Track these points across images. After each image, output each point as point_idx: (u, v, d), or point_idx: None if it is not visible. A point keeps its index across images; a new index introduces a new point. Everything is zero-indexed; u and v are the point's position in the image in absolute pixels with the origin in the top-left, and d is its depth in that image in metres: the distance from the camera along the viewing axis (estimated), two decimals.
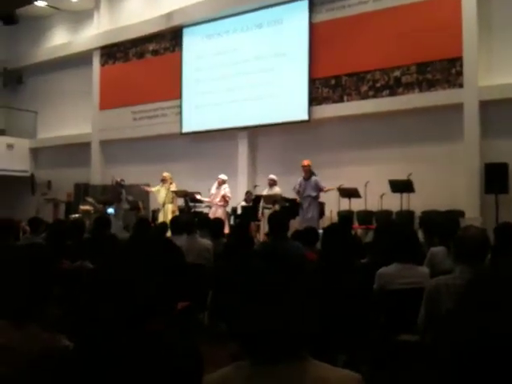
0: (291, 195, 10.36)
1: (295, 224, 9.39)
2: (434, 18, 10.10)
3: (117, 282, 1.62)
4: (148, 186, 12.26)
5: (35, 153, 17.26)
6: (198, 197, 11.33)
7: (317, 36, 11.56)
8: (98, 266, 3.87)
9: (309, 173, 10.00)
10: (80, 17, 16.18)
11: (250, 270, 1.52)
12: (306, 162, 10.06)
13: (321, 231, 6.18)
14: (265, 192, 10.82)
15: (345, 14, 11.24)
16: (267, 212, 10.27)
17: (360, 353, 3.20)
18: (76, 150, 15.73)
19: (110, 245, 4.20)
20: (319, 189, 9.90)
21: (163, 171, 11.78)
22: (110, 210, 11.69)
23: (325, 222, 10.22)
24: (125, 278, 1.62)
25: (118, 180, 12.40)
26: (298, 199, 10.12)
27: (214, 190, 11.29)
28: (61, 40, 16.59)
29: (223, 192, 11.14)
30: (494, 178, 9.10)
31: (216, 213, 10.87)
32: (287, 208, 10.09)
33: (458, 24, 9.83)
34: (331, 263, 3.59)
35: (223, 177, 11.29)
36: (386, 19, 10.68)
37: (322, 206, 10.39)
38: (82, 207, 12.10)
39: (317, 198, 10.03)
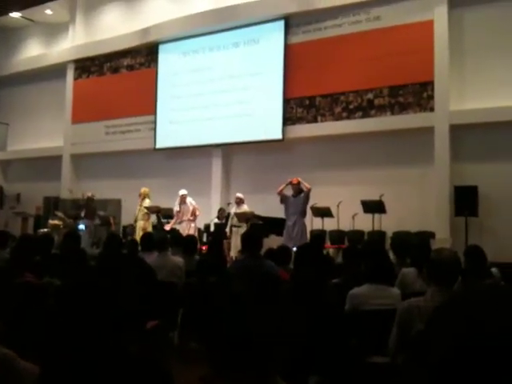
0: (265, 213, 10.34)
1: (271, 242, 9.31)
2: (406, 43, 10.33)
3: (84, 298, 1.59)
4: (119, 205, 12.14)
5: (5, 165, 16.96)
6: (167, 228, 11.09)
7: (292, 57, 11.69)
8: (66, 283, 3.79)
9: (298, 190, 9.79)
10: (55, 29, 16.06)
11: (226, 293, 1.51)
12: (295, 181, 9.83)
13: (294, 249, 6.19)
14: (232, 210, 10.77)
15: (320, 36, 11.40)
16: (235, 230, 10.24)
17: (332, 374, 3.18)
18: (47, 164, 15.49)
19: (79, 261, 4.11)
20: (307, 193, 9.61)
21: (136, 186, 11.68)
22: (81, 227, 11.48)
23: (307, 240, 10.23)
24: (93, 294, 1.59)
25: (89, 195, 12.22)
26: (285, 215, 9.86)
27: (177, 207, 11.17)
28: (35, 52, 16.43)
29: (191, 207, 11.05)
30: (463, 200, 9.26)
31: (188, 228, 10.79)
32: (259, 226, 10.05)
33: (430, 49, 10.07)
34: (303, 283, 3.58)
35: (184, 192, 11.15)
36: (360, 42, 10.88)
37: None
38: (51, 222, 11.87)
39: (303, 214, 9.77)
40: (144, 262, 4.56)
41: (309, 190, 9.61)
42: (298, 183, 9.79)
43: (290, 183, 9.81)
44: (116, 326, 1.56)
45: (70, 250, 4.69)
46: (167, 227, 11.00)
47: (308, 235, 9.78)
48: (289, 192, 9.87)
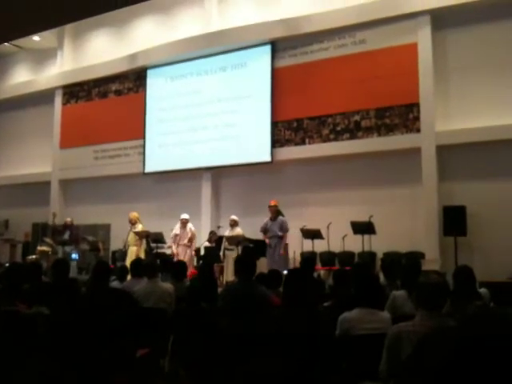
0: (255, 236, 10.35)
1: (262, 264, 9.36)
2: (391, 65, 10.49)
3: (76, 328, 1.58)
4: (108, 230, 12.13)
5: None
6: (166, 249, 11.14)
7: (279, 80, 11.81)
8: (56, 314, 3.76)
9: (275, 213, 10.04)
10: (43, 55, 16.11)
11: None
12: (272, 202, 10.12)
13: (285, 272, 6.18)
14: (227, 233, 10.79)
15: (306, 60, 11.55)
16: (229, 253, 10.24)
17: None
18: (35, 189, 15.41)
19: (69, 291, 4.08)
20: (284, 230, 9.92)
21: (126, 211, 11.63)
22: (74, 256, 11.39)
23: (289, 263, 10.25)
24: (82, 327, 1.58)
25: (68, 220, 12.16)
26: (267, 239, 10.09)
27: (178, 230, 11.19)
28: (23, 78, 16.45)
29: (190, 233, 11.08)
30: (452, 220, 9.32)
31: (185, 253, 10.80)
32: (251, 249, 10.05)
33: (415, 70, 10.22)
34: (293, 308, 3.58)
35: (186, 216, 11.23)
36: (346, 65, 11.03)
37: (285, 247, 10.39)
38: (40, 248, 11.78)
39: (281, 237, 10.05)
40: (123, 292, 4.51)
41: (286, 230, 9.97)
42: (275, 206, 10.00)
43: (269, 206, 10.05)
44: (107, 356, 1.56)
45: (59, 279, 4.66)
46: (172, 248, 11.06)
47: (290, 256, 10.03)
48: (267, 216, 10.15)
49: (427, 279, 2.90)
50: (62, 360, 1.56)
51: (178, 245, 11.08)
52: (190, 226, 11.18)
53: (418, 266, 4.91)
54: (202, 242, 11.45)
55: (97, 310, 1.57)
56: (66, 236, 11.80)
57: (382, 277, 5.58)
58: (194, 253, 11.26)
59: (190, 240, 11.06)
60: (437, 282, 2.86)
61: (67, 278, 4.83)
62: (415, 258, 7.62)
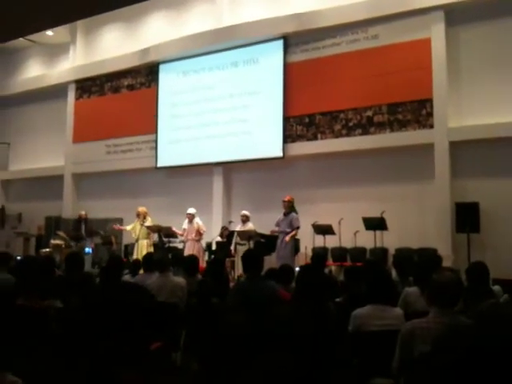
0: (266, 231, 10.36)
1: (272, 260, 9.38)
2: (404, 60, 10.42)
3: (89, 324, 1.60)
4: (120, 224, 12.15)
5: (6, 185, 17.00)
6: (174, 228, 11.20)
7: (291, 75, 11.78)
8: (69, 307, 3.79)
9: (288, 208, 9.97)
10: (56, 50, 16.20)
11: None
12: (286, 198, 10.04)
13: (297, 269, 6.19)
14: (238, 228, 10.80)
15: (319, 55, 11.50)
16: (240, 248, 10.25)
17: None
18: (48, 183, 15.53)
19: (84, 285, 4.11)
20: (291, 226, 9.86)
21: (137, 206, 11.68)
22: (88, 250, 11.48)
23: (300, 258, 10.24)
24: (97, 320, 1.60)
25: (82, 213, 12.24)
26: (276, 234, 10.06)
27: (185, 225, 11.22)
28: (36, 73, 16.56)
29: (197, 226, 11.09)
30: (464, 217, 9.26)
31: (193, 248, 10.81)
32: (262, 244, 10.07)
33: (428, 66, 10.15)
34: (305, 304, 3.58)
35: (192, 211, 11.23)
36: (359, 60, 10.97)
37: (296, 242, 10.39)
38: (53, 241, 11.87)
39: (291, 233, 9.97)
40: (141, 287, 4.54)
41: (297, 227, 9.87)
42: (288, 201, 9.95)
43: (282, 201, 9.99)
44: (121, 353, 1.58)
45: (73, 273, 4.69)
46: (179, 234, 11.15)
47: (301, 253, 10.00)
48: (278, 212, 10.14)
49: (441, 276, 2.88)
50: (71, 352, 1.58)
51: (187, 240, 11.11)
52: (196, 220, 11.19)
53: (433, 262, 4.88)
54: (214, 236, 11.48)
55: (112, 304, 1.59)
56: (83, 230, 11.90)
57: (393, 273, 5.57)
58: (202, 247, 11.26)
59: (198, 234, 11.07)
60: (450, 279, 2.85)
61: (81, 272, 4.86)
62: (430, 254, 7.60)
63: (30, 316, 3.80)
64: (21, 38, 15.80)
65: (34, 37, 15.88)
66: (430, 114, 10.12)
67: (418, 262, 5.07)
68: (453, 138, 9.86)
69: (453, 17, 10.17)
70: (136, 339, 1.60)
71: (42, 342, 3.49)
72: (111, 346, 1.56)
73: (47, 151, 15.78)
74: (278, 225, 10.00)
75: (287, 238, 9.73)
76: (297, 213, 10.00)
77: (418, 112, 10.27)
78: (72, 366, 1.55)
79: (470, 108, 9.92)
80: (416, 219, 10.10)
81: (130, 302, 1.59)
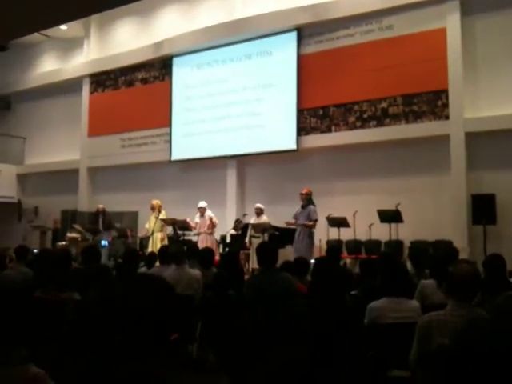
0: (280, 224, 10.34)
1: (287, 253, 9.36)
2: (419, 51, 10.32)
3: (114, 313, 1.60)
4: (135, 218, 12.26)
5: (23, 179, 17.16)
6: (188, 219, 11.24)
7: (305, 67, 11.73)
8: (91, 298, 3.83)
9: (305, 201, 9.87)
10: (70, 44, 16.29)
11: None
12: (304, 190, 9.95)
13: (312, 261, 6.17)
14: (252, 221, 10.80)
15: (333, 46, 11.43)
16: (255, 241, 10.25)
17: None
18: (64, 177, 15.67)
19: (102, 277, 4.15)
20: (309, 219, 9.77)
21: (151, 199, 11.74)
22: (104, 243, 11.57)
23: (314, 251, 10.22)
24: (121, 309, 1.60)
25: (101, 207, 12.33)
26: (294, 226, 9.99)
27: (197, 219, 11.25)
28: (50, 67, 16.66)
29: (209, 220, 11.11)
30: (481, 209, 9.18)
31: (206, 241, 10.83)
32: (277, 237, 10.06)
33: (444, 56, 10.04)
34: (321, 297, 3.59)
35: (203, 204, 11.25)
36: (373, 51, 10.89)
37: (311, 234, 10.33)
38: (69, 235, 11.98)
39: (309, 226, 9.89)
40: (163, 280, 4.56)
41: (315, 220, 9.72)
42: (306, 194, 9.87)
43: (300, 193, 9.92)
44: (145, 341, 1.58)
45: (92, 266, 4.72)
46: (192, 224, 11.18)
47: (316, 245, 9.95)
48: (292, 205, 10.09)
49: (458, 268, 2.87)
50: (88, 345, 1.59)
51: (200, 233, 11.16)
52: (208, 213, 11.21)
53: (450, 254, 4.85)
54: (228, 229, 11.51)
55: (132, 296, 1.60)
56: (100, 223, 12.00)
57: (409, 266, 5.54)
58: (215, 240, 11.29)
59: (210, 227, 11.10)
60: (468, 272, 2.83)
61: (99, 265, 4.90)
62: (446, 246, 7.55)
63: (49, 308, 3.85)
64: (35, 33, 15.92)
65: (49, 31, 15.93)
66: (446, 105, 10.03)
67: (434, 255, 5.04)
68: (469, 129, 9.77)
69: (468, 6, 10.05)
70: (154, 332, 1.60)
71: (61, 333, 3.53)
72: (125, 340, 1.57)
73: (62, 145, 15.90)
74: (295, 217, 9.91)
75: (306, 223, 9.66)
76: (314, 205, 9.90)
77: (434, 103, 10.18)
78: (87, 359, 1.57)
79: (486, 98, 9.82)
80: (431, 211, 10.03)
81: (149, 294, 1.60)
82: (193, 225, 11.24)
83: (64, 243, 11.58)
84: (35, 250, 10.18)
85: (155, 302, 1.66)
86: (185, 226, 11.22)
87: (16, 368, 1.79)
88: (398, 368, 3.30)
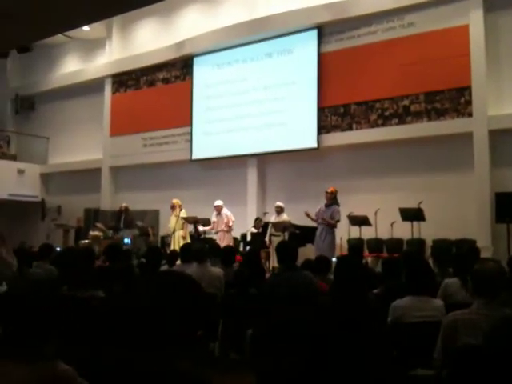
0: (301, 222, 10.32)
1: (308, 251, 9.32)
2: (442, 48, 10.22)
3: (137, 310, 1.62)
4: (157, 217, 12.34)
5: (46, 178, 17.38)
6: (201, 228, 11.29)
7: (326, 65, 11.69)
8: (115, 295, 3.88)
9: (330, 200, 9.76)
10: (92, 45, 16.46)
11: None
12: (329, 189, 9.84)
13: (334, 260, 6.16)
14: (272, 219, 10.81)
15: (354, 44, 11.37)
16: (275, 239, 10.24)
17: None
18: (86, 176, 15.84)
19: (125, 275, 4.19)
20: (331, 218, 9.65)
21: (173, 198, 11.82)
22: (127, 240, 11.69)
23: (336, 250, 10.18)
24: (145, 306, 1.62)
25: (124, 205, 12.44)
26: (316, 224, 9.89)
27: (214, 217, 11.30)
28: (73, 68, 16.86)
29: (226, 218, 11.15)
30: (505, 207, 9.06)
31: (223, 239, 10.87)
32: (297, 235, 10.04)
33: (466, 53, 9.93)
34: (343, 295, 3.57)
35: (219, 203, 11.29)
36: (395, 49, 10.81)
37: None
38: (92, 233, 12.12)
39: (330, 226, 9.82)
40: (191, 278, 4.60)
41: (337, 220, 9.62)
42: (331, 192, 9.77)
43: (325, 192, 9.83)
44: (168, 338, 1.60)
45: (116, 264, 4.77)
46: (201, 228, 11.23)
47: (337, 244, 9.88)
48: (313, 204, 10.03)
49: (484, 267, 2.84)
50: (115, 342, 1.60)
51: (217, 231, 11.21)
52: (225, 211, 11.26)
53: (473, 253, 4.80)
54: (248, 228, 11.53)
55: (161, 295, 1.61)
56: (122, 221, 12.12)
57: (432, 264, 5.49)
58: (232, 238, 11.34)
59: (227, 225, 11.14)
60: (494, 270, 2.80)
61: (122, 263, 4.95)
62: (470, 245, 7.46)
63: (75, 305, 3.90)
64: (58, 34, 16.12)
65: (71, 32, 16.11)
66: (469, 103, 9.91)
67: (458, 253, 4.98)
68: (492, 127, 9.64)
69: (491, 3, 9.93)
70: (181, 328, 1.62)
71: (87, 330, 3.58)
72: (150, 337, 1.58)
73: (85, 145, 16.08)
74: (317, 215, 9.81)
75: (327, 219, 9.58)
76: (339, 205, 9.76)
77: (457, 100, 10.07)
78: (113, 356, 1.58)
79: (510, 95, 9.70)
80: (454, 210, 9.91)
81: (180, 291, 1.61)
82: (208, 228, 11.31)
83: (87, 241, 11.71)
84: (58, 248, 10.32)
85: (185, 299, 1.67)
86: (207, 224, 11.29)
87: (45, 364, 1.82)
88: (421, 367, 3.28)
